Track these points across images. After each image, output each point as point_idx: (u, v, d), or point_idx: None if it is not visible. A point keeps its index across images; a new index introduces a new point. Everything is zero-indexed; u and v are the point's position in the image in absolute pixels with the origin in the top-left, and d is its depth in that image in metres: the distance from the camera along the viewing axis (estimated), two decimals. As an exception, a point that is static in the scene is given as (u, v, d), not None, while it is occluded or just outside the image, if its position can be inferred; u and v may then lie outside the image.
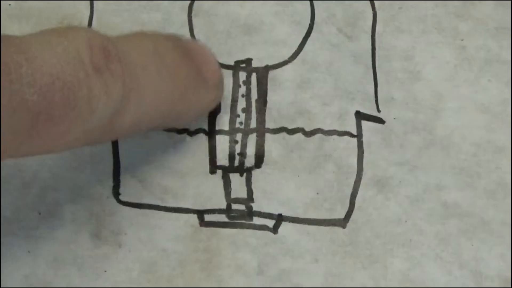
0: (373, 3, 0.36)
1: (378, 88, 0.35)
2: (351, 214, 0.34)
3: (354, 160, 0.34)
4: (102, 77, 0.27)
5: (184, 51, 0.32)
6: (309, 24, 0.36)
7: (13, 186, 0.34)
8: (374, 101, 0.35)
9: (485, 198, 0.34)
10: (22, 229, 0.33)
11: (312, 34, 0.36)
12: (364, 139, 0.35)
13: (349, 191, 0.34)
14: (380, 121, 0.35)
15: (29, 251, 0.33)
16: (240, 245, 0.33)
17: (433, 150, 0.35)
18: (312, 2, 0.36)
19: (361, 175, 0.34)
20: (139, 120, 0.30)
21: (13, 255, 0.33)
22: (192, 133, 0.35)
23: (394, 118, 0.35)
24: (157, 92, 0.30)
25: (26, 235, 0.33)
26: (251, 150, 0.35)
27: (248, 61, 0.36)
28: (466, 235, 0.33)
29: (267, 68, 0.35)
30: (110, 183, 0.34)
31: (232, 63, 0.36)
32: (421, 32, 0.36)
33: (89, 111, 0.27)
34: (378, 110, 0.35)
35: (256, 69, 0.35)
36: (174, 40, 0.33)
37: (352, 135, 0.35)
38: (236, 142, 0.35)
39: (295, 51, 0.36)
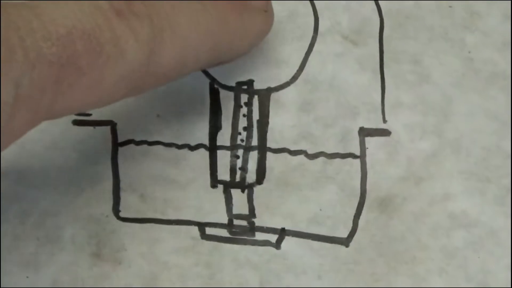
0: (380, 10, 0.36)
1: (386, 93, 0.35)
2: (354, 234, 0.34)
3: (357, 182, 0.34)
4: (126, 20, 0.27)
5: None
6: (312, 36, 0.35)
7: (12, 214, 0.34)
8: (380, 111, 0.35)
9: (494, 204, 0.34)
10: (21, 256, 0.33)
11: (315, 47, 0.35)
12: (368, 158, 0.34)
13: (352, 212, 0.34)
14: (386, 133, 0.34)
15: (27, 277, 0.33)
16: (242, 261, 0.33)
17: (442, 155, 0.34)
18: (316, 12, 0.35)
19: (365, 197, 0.34)
20: (181, 58, 0.29)
21: (12, 283, 0.33)
22: (193, 148, 0.34)
23: (402, 125, 0.34)
24: (194, 26, 0.29)
25: (25, 261, 0.33)
26: (252, 166, 0.34)
27: (250, 82, 0.35)
28: (472, 247, 0.33)
29: (269, 91, 0.35)
30: (110, 201, 0.34)
31: (233, 84, 0.35)
32: (428, 40, 0.35)
33: (118, 54, 0.27)
34: (384, 121, 0.35)
35: (258, 92, 0.35)
36: None
37: (355, 156, 0.34)
38: (238, 157, 0.34)
39: (297, 70, 0.35)
